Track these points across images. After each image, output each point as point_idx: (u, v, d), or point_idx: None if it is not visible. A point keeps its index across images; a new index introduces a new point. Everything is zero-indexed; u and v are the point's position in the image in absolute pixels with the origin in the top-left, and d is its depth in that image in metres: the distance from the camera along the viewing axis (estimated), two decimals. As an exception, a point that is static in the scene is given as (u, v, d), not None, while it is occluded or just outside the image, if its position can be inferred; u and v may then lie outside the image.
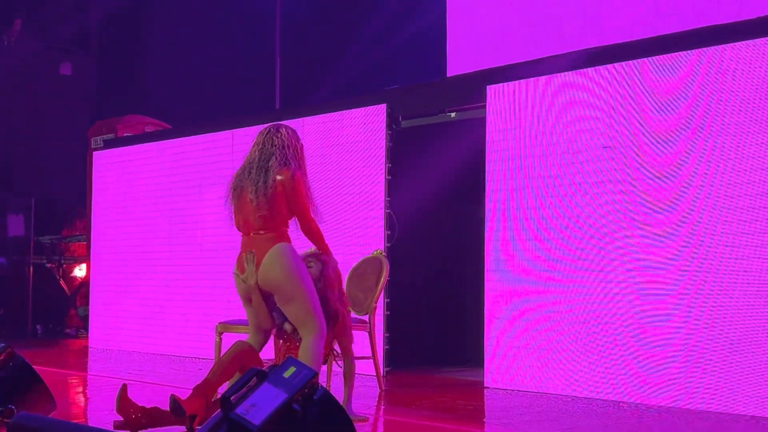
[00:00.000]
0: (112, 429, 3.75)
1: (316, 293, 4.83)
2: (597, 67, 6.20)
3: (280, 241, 4.76)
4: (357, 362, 6.38)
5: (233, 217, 4.98)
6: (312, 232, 4.94)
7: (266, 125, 5.06)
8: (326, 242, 5.03)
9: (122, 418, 4.58)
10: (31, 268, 11.41)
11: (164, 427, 4.59)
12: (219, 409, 2.24)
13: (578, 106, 6.26)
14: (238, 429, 2.10)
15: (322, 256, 5.06)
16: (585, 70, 6.26)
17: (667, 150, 5.79)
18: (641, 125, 5.93)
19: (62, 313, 11.52)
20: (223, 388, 4.98)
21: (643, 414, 5.47)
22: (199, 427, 2.23)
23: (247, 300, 4.86)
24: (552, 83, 6.43)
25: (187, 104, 12.12)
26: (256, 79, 12.15)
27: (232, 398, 2.15)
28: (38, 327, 11.35)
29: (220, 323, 6.27)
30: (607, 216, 6.06)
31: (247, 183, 4.85)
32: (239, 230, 4.98)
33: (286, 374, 2.20)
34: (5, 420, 2.97)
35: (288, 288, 4.72)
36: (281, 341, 4.96)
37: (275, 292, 4.77)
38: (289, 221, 4.88)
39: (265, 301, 4.83)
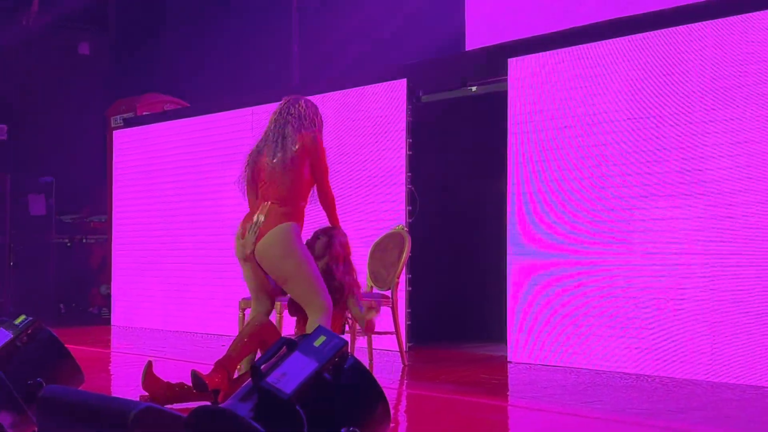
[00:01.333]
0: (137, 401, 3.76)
1: (318, 273, 4.75)
2: (619, 38, 6.13)
3: (289, 221, 4.69)
4: (380, 338, 6.39)
5: (246, 195, 4.94)
6: (328, 200, 4.89)
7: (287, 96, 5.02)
8: (337, 214, 4.98)
9: (148, 394, 4.61)
10: (53, 247, 11.46)
11: (189, 402, 4.60)
12: (249, 379, 2.23)
13: (601, 77, 6.21)
14: (269, 398, 2.10)
15: (330, 230, 5.02)
16: (607, 41, 6.20)
17: (691, 121, 5.73)
18: (665, 96, 5.87)
19: (85, 292, 11.57)
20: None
21: (669, 387, 5.44)
22: (229, 399, 2.23)
23: (245, 260, 4.84)
24: (574, 55, 6.37)
25: (205, 82, 12.10)
26: (274, 55, 12.11)
27: (262, 367, 2.15)
28: (61, 306, 11.42)
29: (243, 299, 6.27)
30: (630, 189, 6.01)
31: (264, 149, 4.83)
32: (252, 209, 4.93)
33: (317, 343, 2.19)
34: (34, 393, 2.98)
35: (282, 269, 4.67)
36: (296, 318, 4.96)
37: (268, 270, 4.74)
38: (309, 194, 4.82)
39: (261, 268, 4.81)
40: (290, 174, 4.71)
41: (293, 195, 4.73)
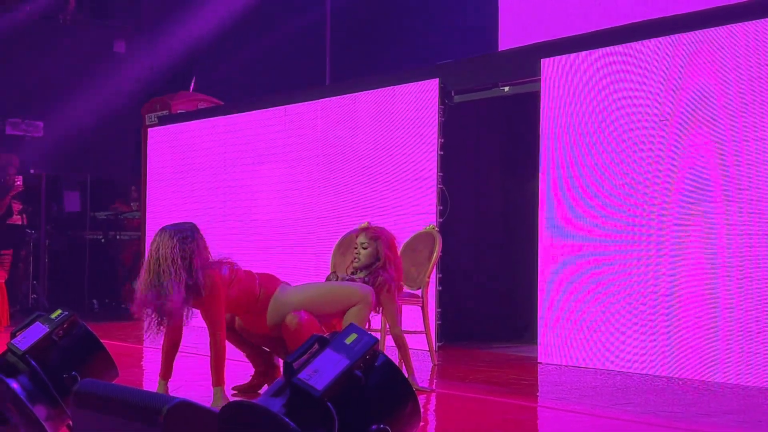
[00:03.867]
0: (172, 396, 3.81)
1: (326, 285, 5.03)
2: (653, 39, 6.10)
3: (267, 304, 4.82)
4: (410, 337, 6.40)
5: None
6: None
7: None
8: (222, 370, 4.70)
9: None
10: (87, 244, 11.58)
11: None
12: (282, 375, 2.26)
13: (634, 78, 6.18)
14: (301, 394, 2.12)
15: (372, 231, 5.21)
16: (641, 42, 6.17)
17: (726, 122, 5.69)
18: (700, 97, 5.83)
19: (118, 288, 11.68)
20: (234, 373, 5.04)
21: (700, 390, 5.41)
22: (261, 395, 2.26)
23: None
24: (607, 55, 6.35)
25: (239, 80, 12.17)
26: (307, 54, 12.16)
27: (294, 364, 2.17)
28: (95, 302, 11.53)
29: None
30: (664, 191, 5.98)
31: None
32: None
33: (348, 341, 2.21)
34: (69, 386, 3.02)
35: (312, 308, 4.80)
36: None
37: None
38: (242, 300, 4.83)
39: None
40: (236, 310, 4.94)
41: (243, 307, 4.85)
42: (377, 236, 5.32)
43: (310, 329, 4.64)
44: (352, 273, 5.37)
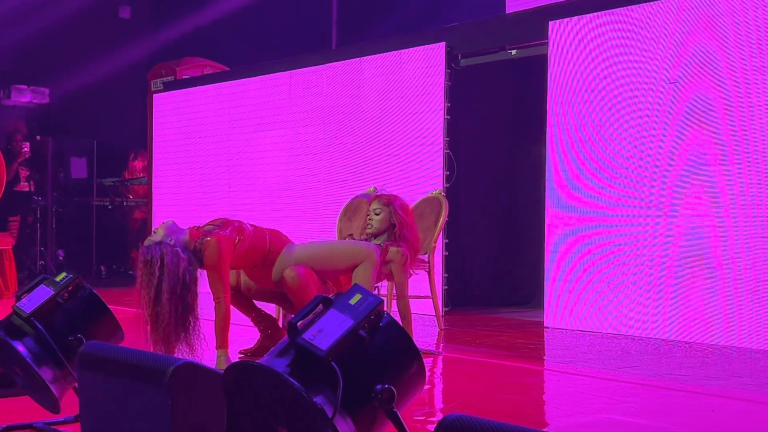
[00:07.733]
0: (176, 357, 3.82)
1: (333, 243, 5.14)
2: (662, 1, 6.03)
3: (276, 258, 4.83)
4: (416, 302, 6.41)
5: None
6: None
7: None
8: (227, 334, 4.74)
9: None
10: (94, 210, 11.59)
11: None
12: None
13: (642, 40, 6.12)
14: (305, 354, 2.11)
15: (385, 198, 5.17)
16: (649, 3, 6.10)
17: (736, 84, 5.64)
18: (708, 59, 5.78)
19: (125, 255, 11.70)
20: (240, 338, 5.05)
21: (705, 353, 5.41)
22: (265, 355, 2.25)
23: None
24: (616, 18, 6.29)
25: (244, 46, 12.10)
26: (313, 19, 12.08)
27: (298, 324, 2.16)
28: (102, 268, 11.56)
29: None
30: (672, 154, 5.94)
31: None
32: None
33: (352, 301, 2.20)
34: (74, 349, 3.02)
35: (321, 264, 4.83)
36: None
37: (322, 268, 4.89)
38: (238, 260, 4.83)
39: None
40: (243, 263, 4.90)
41: (252, 261, 4.84)
42: (390, 202, 5.26)
43: (309, 281, 4.67)
44: (366, 240, 5.31)
